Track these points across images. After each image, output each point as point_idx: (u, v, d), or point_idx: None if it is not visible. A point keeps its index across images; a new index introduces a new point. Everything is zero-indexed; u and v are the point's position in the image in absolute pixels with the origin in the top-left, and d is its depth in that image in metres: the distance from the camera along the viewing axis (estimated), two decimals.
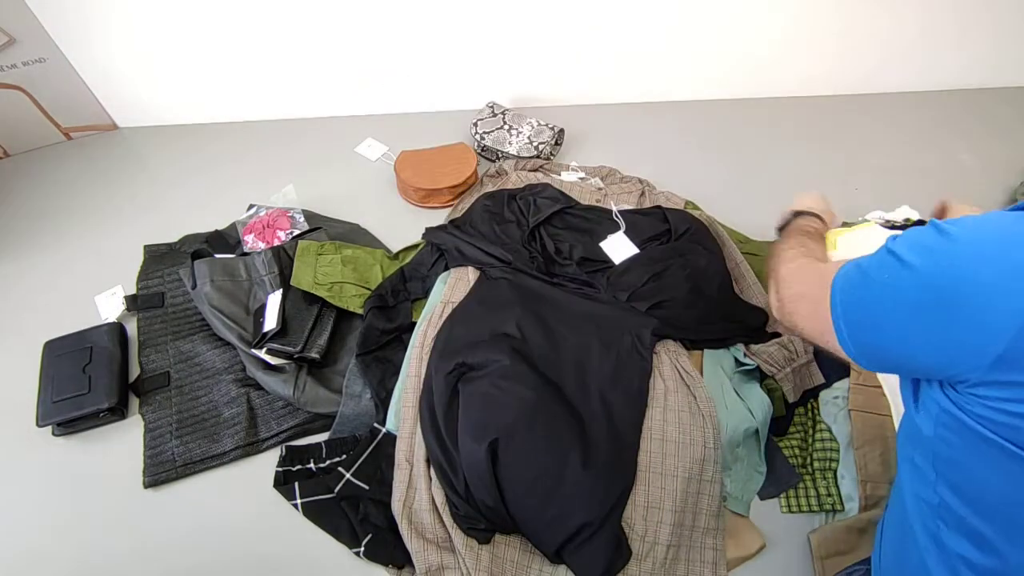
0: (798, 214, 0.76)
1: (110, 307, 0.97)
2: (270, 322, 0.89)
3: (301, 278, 0.93)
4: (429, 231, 1.03)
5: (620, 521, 0.73)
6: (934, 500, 0.48)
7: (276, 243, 1.01)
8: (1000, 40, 1.28)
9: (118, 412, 0.86)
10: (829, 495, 0.79)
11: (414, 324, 0.91)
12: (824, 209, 0.77)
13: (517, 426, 0.74)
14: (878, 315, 0.45)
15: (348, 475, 0.79)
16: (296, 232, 1.04)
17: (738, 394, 0.85)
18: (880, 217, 1.08)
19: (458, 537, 0.72)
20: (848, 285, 0.48)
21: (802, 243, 0.69)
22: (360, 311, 0.93)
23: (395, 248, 1.05)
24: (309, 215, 1.08)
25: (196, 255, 0.97)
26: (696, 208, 1.08)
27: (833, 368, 0.89)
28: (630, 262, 0.95)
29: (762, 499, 0.81)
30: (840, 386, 0.88)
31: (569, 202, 1.04)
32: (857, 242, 0.74)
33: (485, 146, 1.20)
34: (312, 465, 0.82)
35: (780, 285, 0.61)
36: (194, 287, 0.93)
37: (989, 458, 0.41)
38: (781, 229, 0.77)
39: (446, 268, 0.97)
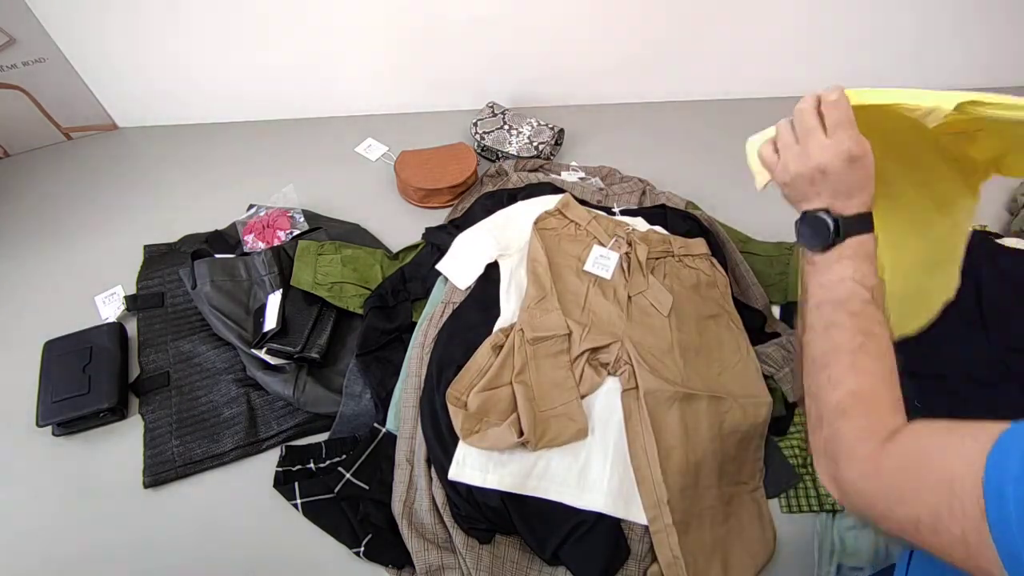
0: (838, 226, 0.51)
1: (110, 307, 0.98)
2: (270, 322, 0.89)
3: (301, 278, 0.93)
4: (429, 231, 1.03)
5: (619, 521, 0.73)
6: None
7: (276, 243, 1.01)
8: (1000, 40, 1.28)
9: (118, 412, 0.86)
10: (829, 495, 0.79)
11: (414, 324, 0.91)
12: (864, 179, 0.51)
13: None
14: None
15: (348, 475, 0.79)
16: (296, 232, 1.04)
17: None
18: None
19: (459, 537, 0.72)
20: None
21: (869, 337, 0.47)
22: (360, 311, 0.93)
23: (395, 248, 1.05)
24: (309, 215, 1.08)
25: (196, 255, 0.97)
26: (696, 208, 1.08)
27: None
28: None
29: None
30: None
31: None
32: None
33: (485, 146, 1.20)
34: (312, 465, 0.82)
35: (884, 458, 0.40)
36: (194, 287, 0.93)
37: None
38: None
39: None
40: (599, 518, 0.72)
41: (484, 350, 0.80)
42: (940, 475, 0.34)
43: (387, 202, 1.15)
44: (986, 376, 0.86)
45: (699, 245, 0.96)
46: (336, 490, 0.78)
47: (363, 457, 0.81)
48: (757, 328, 0.93)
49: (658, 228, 0.98)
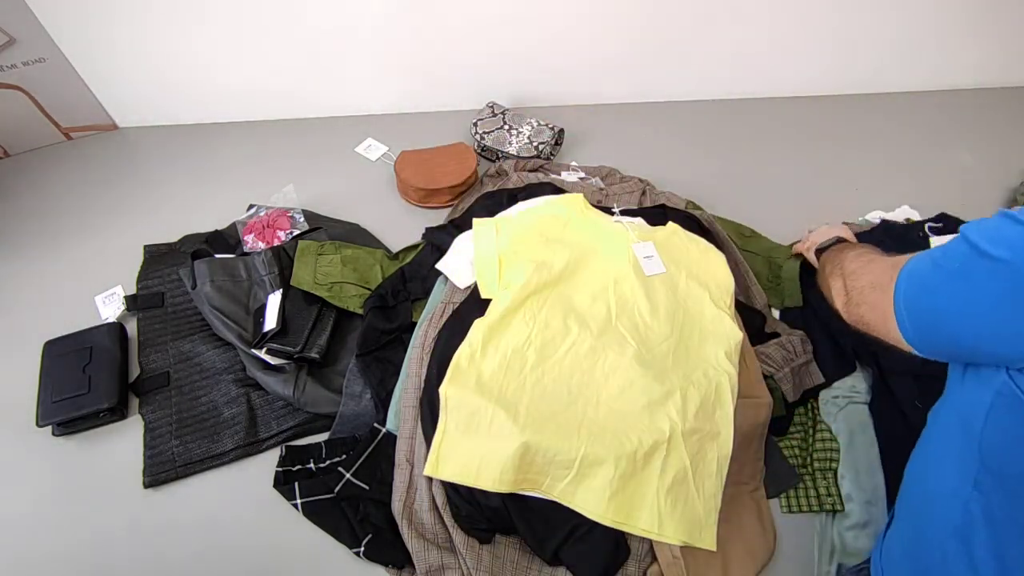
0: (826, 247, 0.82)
1: (110, 307, 0.98)
2: (270, 322, 0.89)
3: (301, 278, 0.93)
4: (429, 231, 1.03)
5: None
6: (968, 494, 0.47)
7: (276, 243, 1.01)
8: (1000, 40, 1.28)
9: (118, 412, 0.86)
10: (829, 495, 0.79)
11: (414, 324, 0.91)
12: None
13: None
14: (951, 305, 0.45)
15: (348, 475, 0.79)
16: (296, 232, 1.04)
17: None
18: (879, 217, 1.09)
19: (459, 537, 0.72)
20: (918, 274, 0.49)
21: (865, 250, 0.70)
22: (360, 311, 0.93)
23: (395, 248, 1.05)
24: (309, 215, 1.08)
25: (196, 255, 0.97)
26: (697, 208, 1.08)
27: (833, 368, 0.89)
28: None
29: None
30: (840, 386, 0.88)
31: None
32: None
33: (485, 146, 1.20)
34: (312, 465, 0.82)
35: (848, 279, 0.63)
36: (194, 287, 0.93)
37: None
38: (820, 251, 0.84)
39: None
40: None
41: None
42: (877, 281, 0.56)
43: (387, 202, 1.15)
44: None
45: None
46: (336, 490, 0.78)
47: (363, 457, 0.81)
48: (757, 328, 0.93)
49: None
